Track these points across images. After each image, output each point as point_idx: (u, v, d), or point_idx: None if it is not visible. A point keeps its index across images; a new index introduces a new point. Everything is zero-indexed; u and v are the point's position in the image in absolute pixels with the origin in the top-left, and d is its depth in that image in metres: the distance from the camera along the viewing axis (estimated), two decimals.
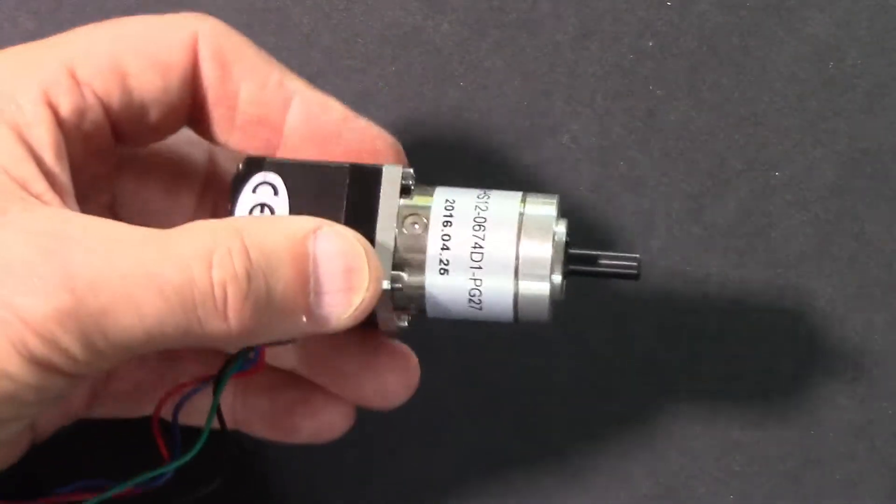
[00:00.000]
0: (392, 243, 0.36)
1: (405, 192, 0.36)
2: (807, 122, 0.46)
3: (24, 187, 0.32)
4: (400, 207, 0.36)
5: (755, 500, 0.43)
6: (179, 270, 0.31)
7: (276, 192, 0.36)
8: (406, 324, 0.37)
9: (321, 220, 0.33)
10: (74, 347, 0.30)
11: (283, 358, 0.40)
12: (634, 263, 0.38)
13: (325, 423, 0.40)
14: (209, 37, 0.36)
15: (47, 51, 0.35)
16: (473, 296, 0.36)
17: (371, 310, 0.34)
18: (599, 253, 0.38)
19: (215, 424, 0.36)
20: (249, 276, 0.31)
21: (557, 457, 0.44)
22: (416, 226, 0.36)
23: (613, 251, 0.38)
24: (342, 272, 0.33)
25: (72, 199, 0.34)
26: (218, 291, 0.31)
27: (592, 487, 0.44)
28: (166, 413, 0.37)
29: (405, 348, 0.39)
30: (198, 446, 0.35)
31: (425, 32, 0.47)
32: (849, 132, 0.46)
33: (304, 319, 0.33)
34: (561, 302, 0.37)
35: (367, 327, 0.36)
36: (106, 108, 0.35)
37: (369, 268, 0.33)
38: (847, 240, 0.45)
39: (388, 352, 0.39)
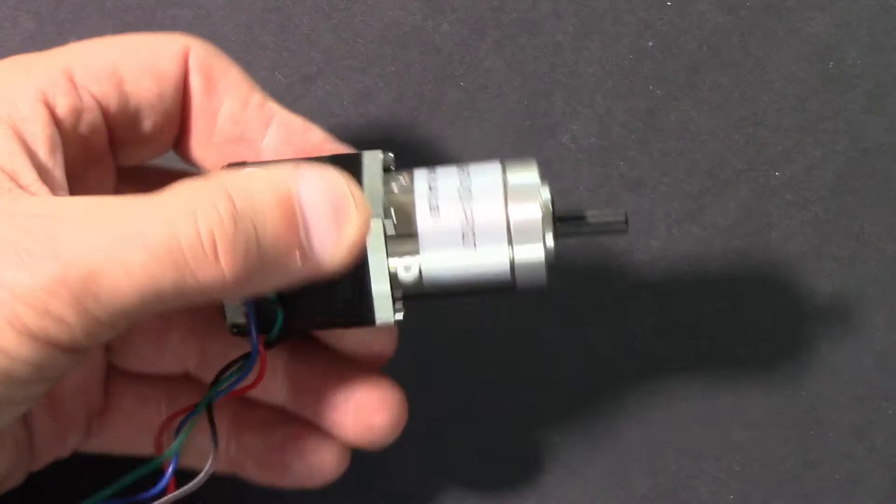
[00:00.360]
0: (381, 222, 0.35)
1: (387, 172, 0.36)
2: (807, 122, 0.46)
3: (12, 178, 0.33)
4: (385, 187, 0.36)
5: (755, 500, 0.44)
6: (164, 224, 0.31)
7: None
8: (401, 316, 0.37)
9: (304, 164, 0.34)
10: (68, 315, 0.30)
11: (273, 393, 0.40)
12: (622, 217, 0.37)
13: (317, 462, 0.40)
14: (199, 52, 0.37)
15: (45, 57, 0.36)
16: (471, 266, 0.36)
17: (362, 244, 0.34)
18: (586, 211, 0.38)
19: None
20: (235, 220, 0.31)
21: (557, 456, 0.44)
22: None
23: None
24: (329, 209, 0.33)
25: (64, 194, 0.34)
26: (206, 238, 0.31)
27: (592, 487, 0.44)
28: (167, 439, 0.37)
29: (391, 382, 0.39)
30: (201, 478, 0.35)
31: (425, 32, 0.47)
32: (849, 132, 0.46)
33: (298, 260, 0.33)
34: (554, 267, 0.36)
35: (361, 325, 0.36)
36: (103, 111, 0.36)
37: (355, 202, 0.33)
38: (847, 240, 0.45)
39: (374, 383, 0.39)
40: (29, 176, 0.33)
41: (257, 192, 0.32)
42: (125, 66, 0.36)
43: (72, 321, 0.30)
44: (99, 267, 0.30)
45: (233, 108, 0.37)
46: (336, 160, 0.36)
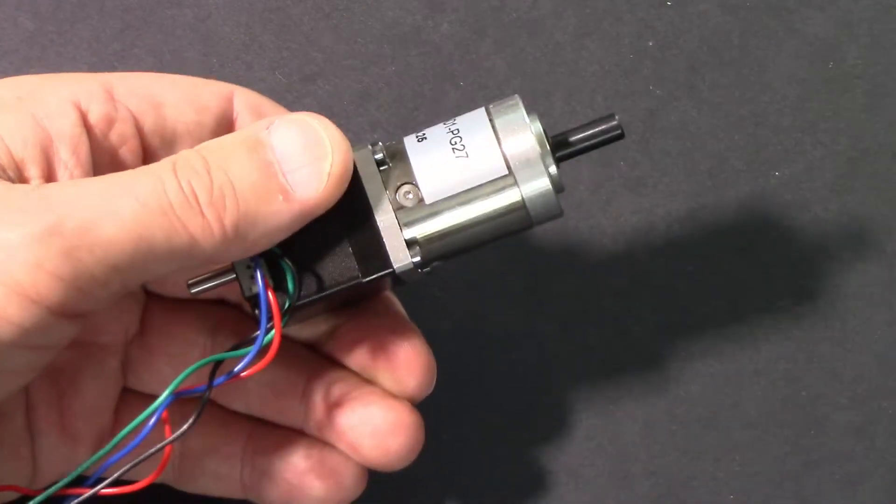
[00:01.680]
0: (395, 219, 0.35)
1: (381, 165, 0.36)
2: (807, 122, 0.46)
3: (19, 167, 0.33)
4: (384, 182, 0.36)
5: (755, 500, 0.44)
6: (151, 178, 0.32)
7: None
8: (419, 259, 0.35)
9: (274, 116, 0.34)
10: (61, 268, 0.30)
11: (291, 415, 0.39)
12: (615, 122, 0.37)
13: (335, 484, 0.39)
14: (245, 95, 0.38)
15: (86, 75, 0.36)
16: (470, 178, 0.35)
17: (346, 174, 0.34)
18: (578, 129, 0.37)
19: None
20: (209, 171, 0.33)
21: (557, 457, 0.44)
22: (410, 195, 0.36)
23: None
24: (303, 147, 0.34)
25: None
26: (186, 188, 0.32)
27: (592, 487, 0.44)
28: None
29: (407, 406, 0.39)
30: (193, 418, 0.34)
31: (425, 32, 0.47)
32: (849, 132, 0.46)
33: (282, 200, 0.33)
34: (563, 189, 0.36)
35: (380, 277, 0.35)
36: (138, 127, 0.36)
37: (330, 134, 0.34)
38: (847, 240, 0.45)
39: (391, 406, 0.39)
40: (35, 169, 0.33)
41: (227, 145, 0.33)
42: (166, 94, 0.36)
43: (65, 275, 0.31)
44: (92, 219, 0.31)
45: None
46: None
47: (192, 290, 0.36)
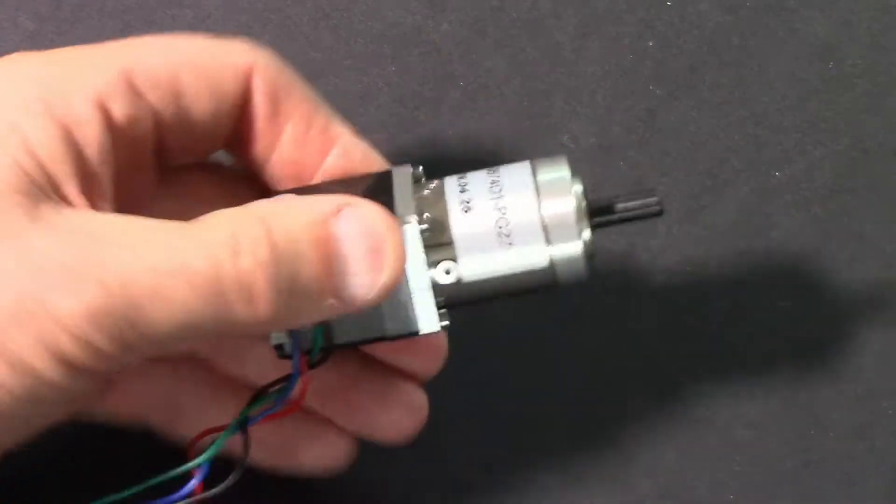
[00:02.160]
0: (417, 230, 0.35)
1: (417, 182, 0.36)
2: (807, 122, 0.46)
3: (55, 185, 0.32)
4: (416, 196, 0.36)
5: (755, 500, 0.43)
6: (207, 260, 0.31)
7: None
8: (447, 323, 0.36)
9: (343, 199, 0.33)
10: (106, 345, 0.30)
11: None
12: (654, 199, 0.37)
13: (327, 453, 0.40)
14: (264, 71, 0.36)
15: (105, 56, 0.34)
16: (510, 265, 0.35)
17: (395, 285, 0.34)
18: (618, 199, 0.37)
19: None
20: (274, 263, 0.31)
21: (557, 457, 0.44)
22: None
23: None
24: (366, 253, 0.33)
25: (108, 205, 0.33)
26: (245, 279, 0.31)
27: (592, 487, 0.44)
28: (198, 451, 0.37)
29: (415, 386, 0.40)
30: (231, 479, 0.35)
31: (425, 32, 0.47)
32: (849, 132, 0.46)
33: (331, 301, 0.33)
34: (595, 256, 0.36)
35: (406, 336, 0.36)
36: (156, 120, 0.35)
37: (393, 246, 0.33)
38: (847, 240, 0.45)
39: (399, 388, 0.39)
40: (71, 185, 0.32)
41: (297, 231, 0.32)
42: (186, 77, 0.35)
43: (107, 350, 0.30)
44: (142, 298, 0.30)
45: (296, 131, 0.37)
46: (368, 179, 0.36)
47: None
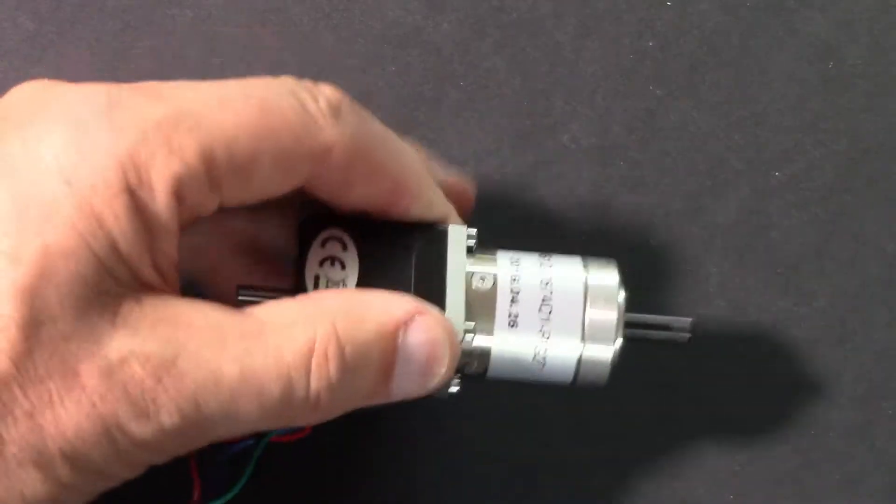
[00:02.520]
0: (463, 295, 0.37)
1: (469, 251, 0.38)
2: (807, 122, 0.46)
3: (133, 269, 0.32)
4: (468, 267, 0.37)
5: (755, 500, 0.44)
6: (280, 382, 0.32)
7: (344, 248, 0.37)
8: (458, 388, 0.38)
9: (415, 307, 0.34)
10: (171, 451, 0.32)
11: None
12: (687, 331, 0.40)
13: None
14: (342, 152, 0.34)
15: (188, 126, 0.32)
16: (538, 352, 0.37)
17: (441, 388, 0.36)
18: (654, 318, 0.40)
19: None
20: (341, 379, 0.33)
21: (556, 457, 0.44)
22: (484, 281, 0.38)
23: (666, 313, 0.40)
24: (424, 361, 0.34)
25: (177, 281, 0.33)
26: (312, 400, 0.33)
27: (592, 488, 0.44)
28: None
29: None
30: (235, 489, 0.37)
31: (425, 32, 0.47)
32: (848, 132, 0.46)
33: (379, 394, 0.34)
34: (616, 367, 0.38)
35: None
36: (222, 200, 0.34)
37: (450, 357, 0.35)
38: (847, 239, 0.45)
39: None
40: (148, 268, 0.32)
41: (369, 347, 0.33)
42: (264, 164, 0.33)
43: (171, 453, 0.32)
44: (214, 419, 0.31)
45: (364, 193, 0.36)
46: (423, 231, 0.37)
47: (240, 297, 0.38)
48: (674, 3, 0.47)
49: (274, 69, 0.46)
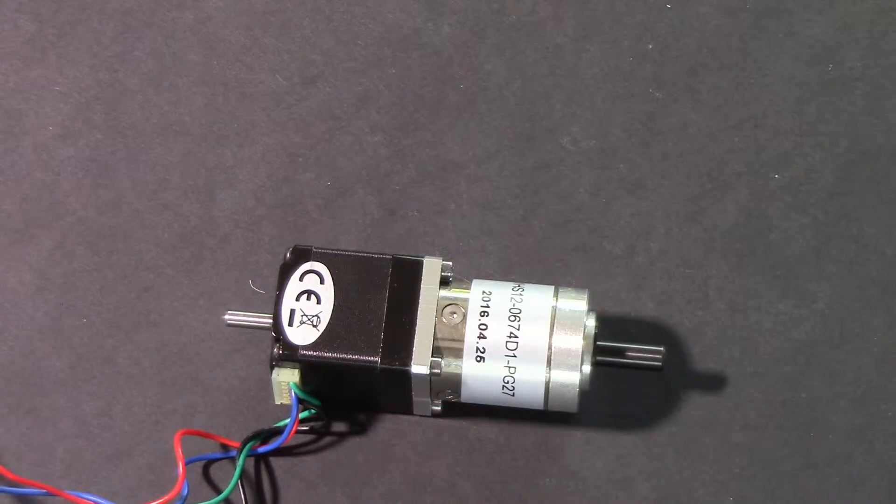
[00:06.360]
0: (432, 331, 0.39)
1: (444, 283, 0.40)
2: (806, 124, 0.46)
3: None
4: (439, 298, 0.39)
5: (754, 502, 0.43)
6: None
7: (322, 281, 0.39)
8: (439, 408, 0.40)
9: None
10: None
11: None
12: (658, 357, 0.41)
13: None
14: None
15: None
16: (507, 382, 0.39)
17: None
18: (626, 346, 0.41)
19: None
20: None
21: (556, 458, 0.44)
22: (455, 315, 0.39)
23: (637, 343, 0.41)
24: None
25: None
26: None
27: (591, 489, 0.44)
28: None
29: None
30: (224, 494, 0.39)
31: (425, 35, 0.47)
32: (848, 134, 0.46)
33: None
34: (588, 392, 0.40)
35: (402, 411, 0.41)
36: None
37: None
38: (846, 242, 0.45)
39: None
40: None
41: None
42: None
43: None
44: None
45: None
46: (398, 264, 0.40)
47: (228, 322, 0.41)
48: (673, 5, 0.47)
49: (274, 71, 0.47)
